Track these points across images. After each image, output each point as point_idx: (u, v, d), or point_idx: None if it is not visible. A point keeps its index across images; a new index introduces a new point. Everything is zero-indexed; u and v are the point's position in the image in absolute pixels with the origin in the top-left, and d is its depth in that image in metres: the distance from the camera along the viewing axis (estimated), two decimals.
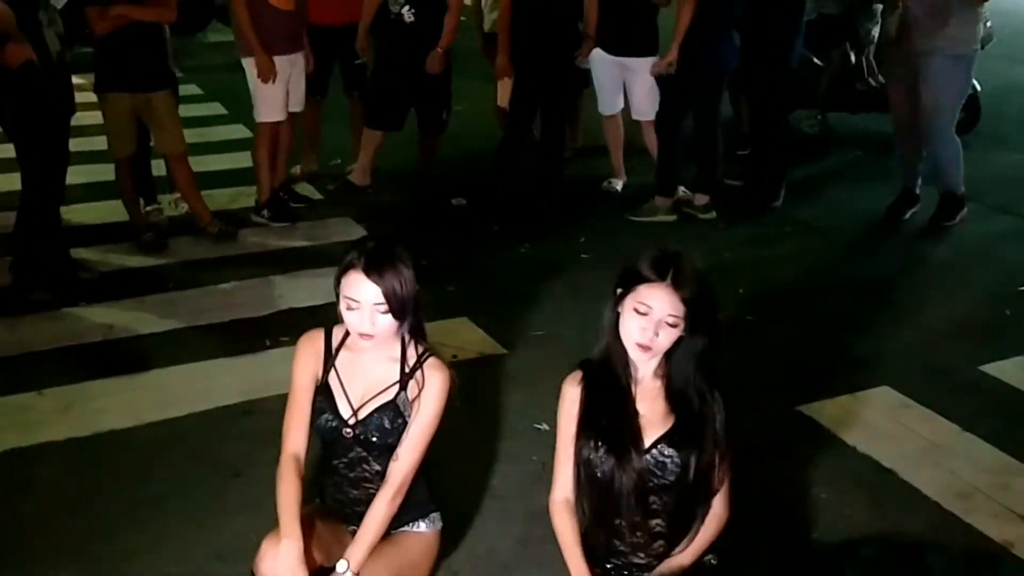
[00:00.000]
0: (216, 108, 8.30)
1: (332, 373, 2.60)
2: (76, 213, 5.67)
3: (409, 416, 2.57)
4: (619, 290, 2.41)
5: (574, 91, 6.63)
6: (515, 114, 6.21)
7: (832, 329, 4.71)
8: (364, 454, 2.60)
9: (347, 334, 2.60)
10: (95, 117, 5.50)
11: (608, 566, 2.54)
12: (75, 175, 5.87)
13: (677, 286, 2.33)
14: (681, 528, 2.47)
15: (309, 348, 2.62)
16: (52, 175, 4.82)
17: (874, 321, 4.82)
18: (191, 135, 5.82)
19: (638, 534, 2.47)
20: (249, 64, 5.63)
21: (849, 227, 6.09)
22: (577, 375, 2.53)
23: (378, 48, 6.20)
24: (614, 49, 6.20)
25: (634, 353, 2.41)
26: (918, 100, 5.81)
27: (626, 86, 6.37)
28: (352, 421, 2.56)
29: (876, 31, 7.70)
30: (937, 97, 5.74)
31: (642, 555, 2.50)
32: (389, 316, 2.47)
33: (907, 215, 6.16)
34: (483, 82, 6.90)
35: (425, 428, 2.56)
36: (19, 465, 3.53)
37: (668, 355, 2.42)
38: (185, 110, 6.06)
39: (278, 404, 2.73)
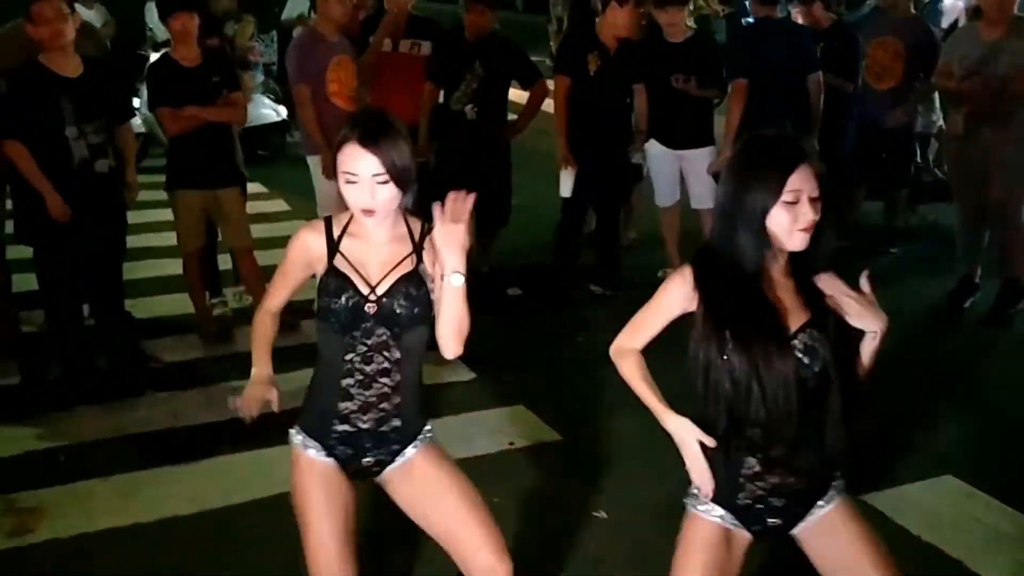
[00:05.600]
0: (280, 204, 8.53)
1: (339, 257, 2.51)
2: (144, 306, 5.83)
3: (431, 285, 2.49)
4: (761, 193, 2.26)
5: (628, 184, 6.73)
6: (570, 207, 6.31)
7: (894, 418, 4.65)
8: (385, 337, 2.50)
9: (349, 222, 2.54)
10: (162, 214, 5.69)
11: (738, 502, 2.37)
12: (143, 270, 6.10)
13: (812, 163, 2.28)
14: (815, 433, 2.32)
15: (309, 232, 2.57)
16: (61, 277, 4.86)
17: (936, 410, 4.77)
18: (256, 230, 5.99)
19: (777, 445, 2.31)
20: (314, 162, 5.80)
21: (909, 316, 6.02)
22: (686, 271, 2.38)
23: (440, 145, 6.34)
24: (671, 142, 6.30)
25: (796, 241, 2.28)
26: (986, 191, 5.82)
27: (684, 177, 6.43)
28: (373, 297, 2.47)
29: (940, 122, 7.65)
30: (1013, 184, 5.76)
31: (779, 472, 2.34)
32: (390, 186, 2.40)
33: (967, 303, 6.10)
34: (540, 177, 7.03)
35: None
36: (84, 550, 3.60)
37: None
38: (250, 207, 6.24)
39: None
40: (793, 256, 2.33)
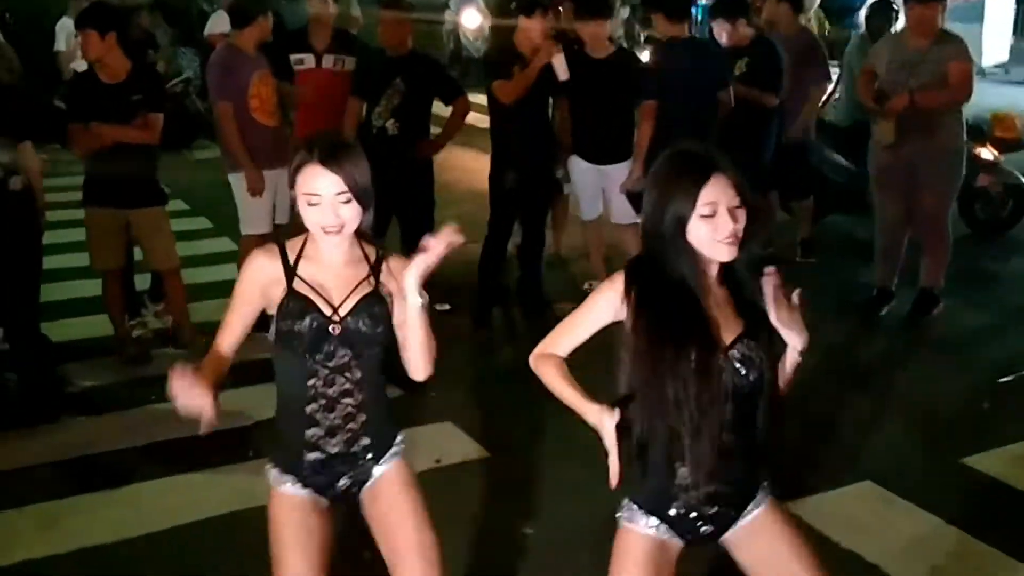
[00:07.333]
0: (202, 223, 8.40)
1: (298, 280, 2.50)
2: (61, 329, 5.69)
3: (391, 305, 2.53)
4: (676, 207, 2.26)
5: (550, 197, 6.75)
6: (495, 223, 6.31)
7: (812, 426, 4.74)
8: (347, 358, 2.51)
9: (303, 246, 2.53)
10: (79, 233, 5.57)
11: (671, 512, 2.37)
12: (60, 291, 5.95)
13: (727, 173, 2.27)
14: (745, 440, 2.37)
15: (263, 254, 2.54)
16: None
17: (854, 417, 4.86)
18: (178, 248, 5.88)
19: (710, 457, 2.30)
20: (237, 179, 5.72)
21: (826, 324, 6.14)
22: (617, 279, 2.37)
23: None
24: (592, 157, 6.34)
25: (721, 252, 2.27)
26: (912, 202, 5.98)
27: (605, 191, 6.48)
28: (336, 318, 2.48)
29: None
30: (942, 195, 5.95)
31: (712, 482, 2.34)
32: (353, 205, 2.42)
33: (884, 311, 6.24)
34: (464, 194, 7.02)
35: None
36: None
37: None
38: (172, 224, 6.14)
39: (262, 515, 2.70)
40: (725, 266, 2.34)
